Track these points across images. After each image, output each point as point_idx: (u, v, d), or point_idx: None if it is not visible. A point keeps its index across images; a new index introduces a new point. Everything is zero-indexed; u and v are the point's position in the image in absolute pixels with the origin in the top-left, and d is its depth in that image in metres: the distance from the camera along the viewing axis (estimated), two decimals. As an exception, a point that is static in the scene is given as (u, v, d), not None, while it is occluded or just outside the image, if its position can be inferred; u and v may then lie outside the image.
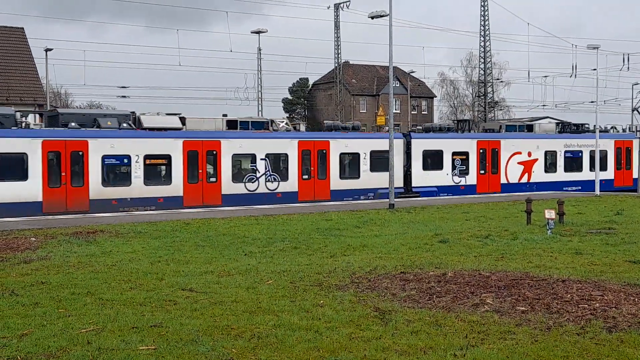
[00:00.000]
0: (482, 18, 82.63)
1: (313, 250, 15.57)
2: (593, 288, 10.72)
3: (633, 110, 47.36)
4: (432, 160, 34.51)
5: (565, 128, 40.98)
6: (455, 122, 40.80)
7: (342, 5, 74.39)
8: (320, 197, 31.11)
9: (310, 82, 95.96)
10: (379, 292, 10.84)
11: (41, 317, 9.32)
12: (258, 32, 54.86)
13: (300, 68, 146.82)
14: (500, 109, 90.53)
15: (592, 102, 61.17)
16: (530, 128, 39.22)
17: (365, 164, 32.35)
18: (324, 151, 31.33)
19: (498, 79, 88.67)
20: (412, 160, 33.67)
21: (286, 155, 30.45)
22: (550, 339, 8.17)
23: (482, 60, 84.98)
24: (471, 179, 35.53)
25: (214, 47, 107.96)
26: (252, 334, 8.39)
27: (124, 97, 60.97)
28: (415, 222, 21.66)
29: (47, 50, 46.03)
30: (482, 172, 35.94)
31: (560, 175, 38.63)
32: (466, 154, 35.42)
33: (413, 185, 33.74)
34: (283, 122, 32.41)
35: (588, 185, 38.00)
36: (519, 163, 37.16)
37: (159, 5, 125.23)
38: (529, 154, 37.47)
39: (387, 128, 35.53)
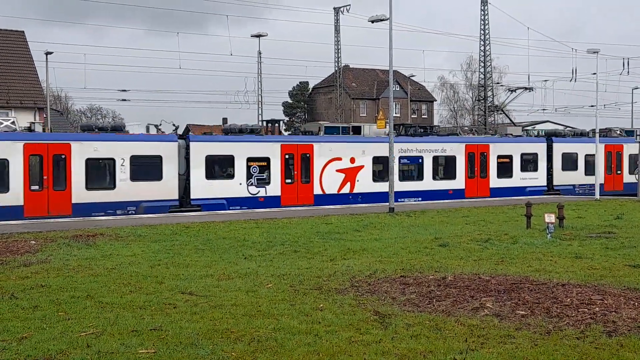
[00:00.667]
0: (482, 22, 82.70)
1: (313, 253, 15.57)
2: (593, 292, 10.72)
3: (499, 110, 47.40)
4: (220, 167, 29.78)
5: (408, 130, 35.70)
6: (263, 122, 35.13)
7: (342, 9, 74.48)
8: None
9: (311, 86, 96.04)
10: (378, 295, 10.84)
11: (41, 320, 9.31)
12: (258, 36, 54.89)
13: (301, 72, 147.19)
14: (500, 113, 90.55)
15: (592, 106, 61.16)
16: (357, 130, 34.05)
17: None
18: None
19: (498, 83, 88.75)
20: (190, 167, 28.51)
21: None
22: (550, 343, 8.17)
23: (482, 64, 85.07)
24: (274, 189, 30.19)
25: (214, 51, 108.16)
26: (251, 338, 8.39)
27: (124, 100, 60.82)
28: (415, 225, 21.66)
29: (47, 53, 46.06)
30: (289, 181, 30.57)
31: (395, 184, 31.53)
32: (267, 160, 30.14)
33: (193, 197, 28.48)
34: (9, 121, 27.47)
35: (430, 195, 33.91)
36: (338, 171, 31.74)
37: (159, 9, 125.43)
38: (352, 160, 32.16)
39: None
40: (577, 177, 39.14)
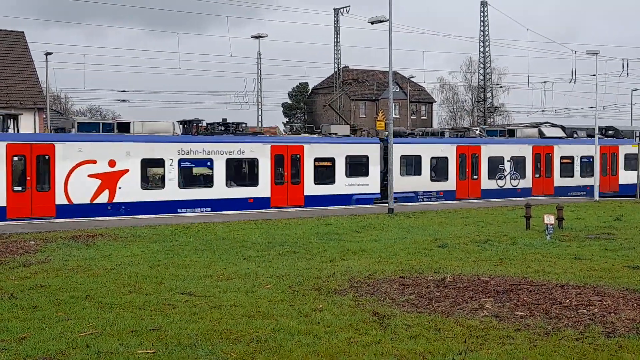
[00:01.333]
0: (482, 23, 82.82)
1: (312, 254, 15.58)
2: (592, 293, 10.73)
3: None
4: None
5: (201, 129, 30.24)
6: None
7: (341, 10, 74.54)
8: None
9: (310, 87, 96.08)
10: (378, 296, 10.85)
11: (40, 320, 9.32)
12: (258, 37, 54.99)
13: (300, 73, 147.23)
14: (500, 114, 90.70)
15: (591, 107, 61.21)
16: (126, 128, 27.67)
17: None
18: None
19: (498, 84, 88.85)
20: None
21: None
22: (549, 344, 8.18)
23: (482, 65, 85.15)
24: None
25: (213, 52, 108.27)
26: (251, 338, 8.39)
27: (124, 101, 60.81)
28: (415, 227, 21.67)
29: (47, 54, 46.12)
30: (20, 189, 24.70)
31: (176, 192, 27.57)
32: None
33: None
34: None
35: (223, 205, 28.36)
36: (91, 176, 26.03)
37: (158, 10, 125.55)
38: (112, 164, 26.34)
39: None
40: (421, 183, 33.77)
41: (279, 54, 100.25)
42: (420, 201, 33.18)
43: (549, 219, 18.20)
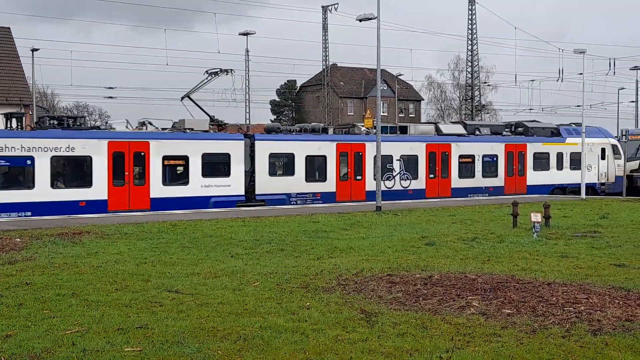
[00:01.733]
0: (470, 22, 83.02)
1: (300, 252, 15.57)
2: (578, 291, 10.77)
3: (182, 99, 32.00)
4: None
5: None
6: None
7: (330, 7, 74.54)
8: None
9: (298, 84, 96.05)
10: (365, 294, 10.85)
11: (25, 318, 9.26)
12: (246, 34, 54.76)
13: (288, 70, 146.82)
14: (487, 113, 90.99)
15: (578, 106, 61.53)
16: None
17: None
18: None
19: (485, 83, 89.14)
20: None
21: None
22: (536, 341, 8.21)
23: (470, 63, 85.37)
24: None
25: (201, 48, 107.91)
26: (238, 336, 8.37)
27: (111, 97, 60.64)
28: (402, 224, 21.70)
29: (33, 50, 45.83)
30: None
31: None
32: None
33: None
34: None
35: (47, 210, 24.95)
36: None
37: (145, 6, 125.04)
38: None
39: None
40: (294, 184, 30.73)
41: (266, 51, 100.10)
42: (293, 204, 30.17)
43: (536, 217, 18.27)
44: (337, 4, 72.89)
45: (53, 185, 25.42)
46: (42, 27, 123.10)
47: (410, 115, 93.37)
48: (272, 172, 30.33)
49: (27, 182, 25.19)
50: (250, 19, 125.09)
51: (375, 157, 29.39)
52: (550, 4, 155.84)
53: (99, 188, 26.17)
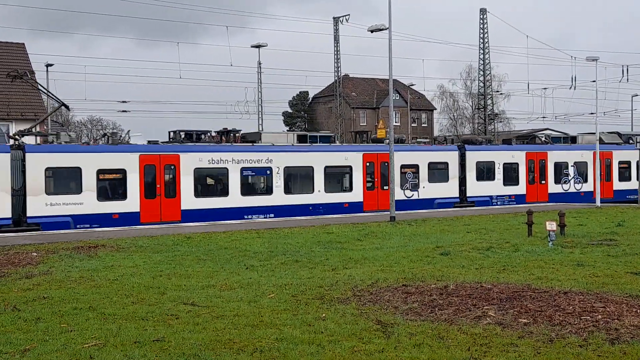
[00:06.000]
0: (482, 31, 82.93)
1: (314, 263, 15.57)
2: (595, 300, 10.71)
3: None
4: None
5: None
6: None
7: (341, 18, 74.73)
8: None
9: (310, 96, 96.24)
10: (381, 305, 10.84)
11: (43, 332, 9.31)
12: (258, 46, 55.10)
13: (301, 81, 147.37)
14: (500, 121, 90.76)
15: (591, 113, 61.26)
16: None
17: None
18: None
19: (498, 91, 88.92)
20: None
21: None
22: (553, 351, 8.17)
23: (482, 72, 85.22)
24: None
25: (214, 61, 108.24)
26: (254, 348, 8.38)
27: (125, 111, 60.90)
28: (417, 234, 21.66)
29: (47, 65, 46.26)
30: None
31: None
32: None
33: None
34: None
35: None
36: None
37: (149, 20, 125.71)
38: None
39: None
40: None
41: (279, 63, 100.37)
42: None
43: (551, 226, 18.18)
44: (349, 15, 73.12)
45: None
46: (46, 43, 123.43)
47: (422, 125, 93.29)
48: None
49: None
50: (261, 32, 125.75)
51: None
52: (560, 11, 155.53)
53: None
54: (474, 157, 35.86)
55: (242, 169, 29.30)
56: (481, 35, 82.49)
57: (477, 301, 10.79)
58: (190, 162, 27.96)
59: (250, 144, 30.93)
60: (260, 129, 56.83)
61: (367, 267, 14.81)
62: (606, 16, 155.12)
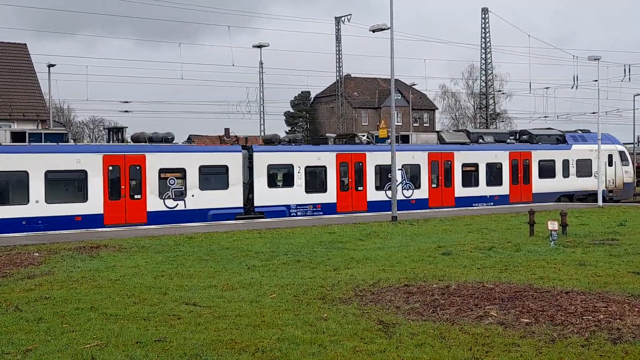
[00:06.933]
0: (483, 30, 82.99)
1: (316, 263, 15.57)
2: (597, 299, 10.70)
3: None
4: None
5: None
6: None
7: (343, 18, 74.79)
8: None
9: (312, 95, 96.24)
10: (382, 305, 10.83)
11: (45, 332, 9.32)
12: (260, 46, 55.01)
13: (302, 81, 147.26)
14: (502, 121, 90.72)
15: (593, 113, 61.16)
16: None
17: None
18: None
19: (499, 91, 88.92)
20: None
21: None
22: (555, 351, 8.16)
23: (484, 72, 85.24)
24: None
25: (215, 61, 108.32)
26: (256, 348, 8.38)
27: (127, 112, 61.01)
28: (418, 234, 21.65)
29: (49, 65, 46.26)
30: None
31: None
32: None
33: None
34: None
35: None
36: None
37: (149, 20, 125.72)
38: None
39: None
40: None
41: (280, 63, 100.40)
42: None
43: (553, 225, 18.17)
44: (350, 15, 73.24)
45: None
46: (45, 43, 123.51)
47: (424, 125, 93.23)
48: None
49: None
50: (262, 32, 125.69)
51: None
52: (562, 10, 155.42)
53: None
54: (264, 159, 30.06)
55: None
56: (483, 35, 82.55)
57: (479, 301, 10.79)
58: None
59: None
60: (262, 129, 56.81)
61: (369, 267, 14.80)
62: (608, 15, 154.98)
